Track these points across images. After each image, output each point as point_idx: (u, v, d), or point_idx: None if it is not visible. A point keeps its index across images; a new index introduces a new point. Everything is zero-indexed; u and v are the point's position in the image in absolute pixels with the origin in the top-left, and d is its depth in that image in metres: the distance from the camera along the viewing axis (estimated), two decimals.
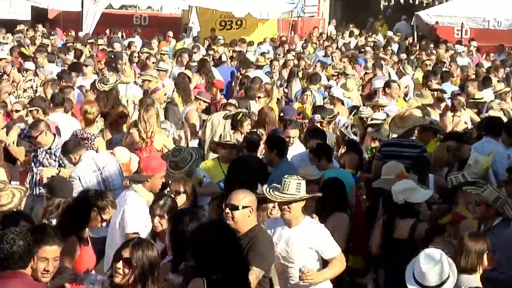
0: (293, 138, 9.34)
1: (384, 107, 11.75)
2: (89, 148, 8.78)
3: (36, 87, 13.28)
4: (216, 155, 8.86)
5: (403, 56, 20.08)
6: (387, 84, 13.19)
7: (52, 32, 22.95)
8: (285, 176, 6.17)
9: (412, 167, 8.24)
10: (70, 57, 17.14)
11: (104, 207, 6.05)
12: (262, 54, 17.96)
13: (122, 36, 23.71)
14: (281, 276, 6.16)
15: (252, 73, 14.89)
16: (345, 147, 10.07)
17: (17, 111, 10.32)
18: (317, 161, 8.52)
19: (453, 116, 11.51)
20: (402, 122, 9.59)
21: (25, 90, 13.22)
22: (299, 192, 6.07)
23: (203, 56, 17.94)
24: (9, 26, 22.71)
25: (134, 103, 11.77)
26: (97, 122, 9.96)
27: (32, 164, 8.84)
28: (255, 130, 9.75)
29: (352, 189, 8.48)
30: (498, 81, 15.11)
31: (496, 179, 8.64)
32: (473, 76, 16.47)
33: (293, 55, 18.66)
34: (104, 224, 6.28)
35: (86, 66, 13.88)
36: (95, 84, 11.55)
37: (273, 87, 13.46)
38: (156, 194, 7.11)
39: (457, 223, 6.73)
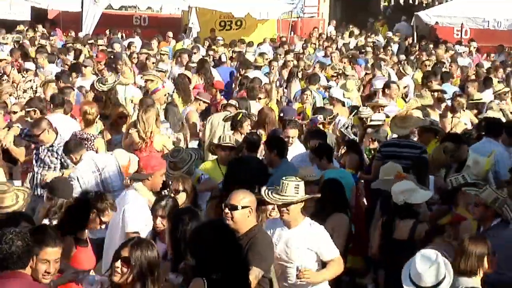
0: (292, 138, 9.34)
1: (384, 107, 11.77)
2: (89, 149, 8.79)
3: (36, 87, 13.28)
4: (215, 156, 8.84)
5: (402, 57, 20.09)
6: (387, 85, 13.20)
7: (52, 33, 22.96)
8: (284, 178, 6.16)
9: (412, 168, 8.25)
10: (70, 57, 17.15)
11: (104, 210, 6.04)
12: (261, 54, 17.96)
13: (122, 36, 23.71)
14: (280, 276, 6.16)
15: (251, 73, 14.89)
16: (345, 147, 10.08)
17: (14, 112, 10.31)
18: (318, 160, 8.53)
19: (452, 117, 11.50)
20: (403, 123, 9.60)
21: (25, 91, 13.22)
22: (298, 193, 6.06)
23: (203, 56, 17.94)
24: (9, 26, 22.74)
25: (132, 102, 11.75)
26: (96, 123, 9.95)
27: (34, 162, 8.83)
28: (255, 130, 9.75)
29: (352, 189, 8.50)
30: (498, 81, 15.12)
31: (498, 180, 8.65)
32: (473, 77, 16.46)
33: (293, 56, 18.66)
34: (103, 226, 6.27)
35: (85, 66, 13.88)
36: (94, 84, 11.56)
37: (272, 88, 13.45)
38: (157, 193, 7.13)
39: (457, 224, 6.72)
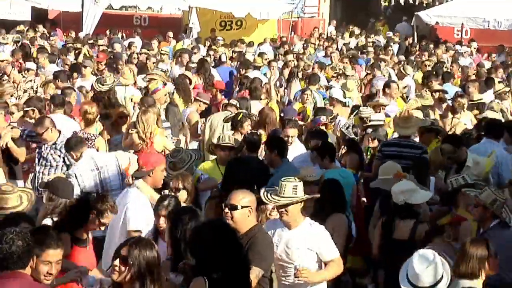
0: (291, 137, 9.33)
1: (385, 106, 11.78)
2: (90, 148, 8.79)
3: (36, 87, 13.29)
4: (214, 156, 8.84)
5: (402, 57, 20.09)
6: (387, 84, 13.23)
7: (52, 33, 22.96)
8: (282, 179, 6.16)
9: (412, 168, 8.25)
10: (71, 58, 17.14)
11: (103, 211, 6.02)
12: (260, 54, 17.97)
13: (122, 36, 23.71)
14: (280, 276, 6.16)
15: (251, 73, 14.90)
16: (345, 147, 10.08)
17: (11, 113, 10.29)
18: (320, 160, 8.54)
19: (452, 117, 11.49)
20: (405, 123, 9.62)
21: (25, 91, 13.23)
22: (296, 194, 6.05)
23: (203, 56, 17.95)
24: (9, 26, 22.74)
25: (132, 101, 11.75)
26: (96, 122, 9.96)
27: (36, 161, 8.83)
28: (255, 130, 9.74)
29: (353, 188, 8.51)
30: (498, 81, 15.11)
31: (500, 182, 8.67)
32: (473, 77, 16.46)
33: (294, 56, 18.66)
34: (102, 228, 6.25)
35: (85, 67, 13.88)
36: (93, 84, 11.58)
37: (272, 88, 13.46)
38: (159, 191, 7.12)
39: (457, 224, 6.72)
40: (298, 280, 6.01)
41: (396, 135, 10.17)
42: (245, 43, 21.76)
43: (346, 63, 17.20)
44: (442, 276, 5.17)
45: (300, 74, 15.68)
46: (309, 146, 9.34)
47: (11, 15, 24.43)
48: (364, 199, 9.08)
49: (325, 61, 18.30)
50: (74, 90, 11.95)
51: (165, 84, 11.86)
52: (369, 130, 10.42)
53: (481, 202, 6.63)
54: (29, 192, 6.56)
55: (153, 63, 15.49)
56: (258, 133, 9.56)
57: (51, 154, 8.68)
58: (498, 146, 9.32)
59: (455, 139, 9.11)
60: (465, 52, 21.22)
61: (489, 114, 11.16)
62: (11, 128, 9.42)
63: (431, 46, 22.35)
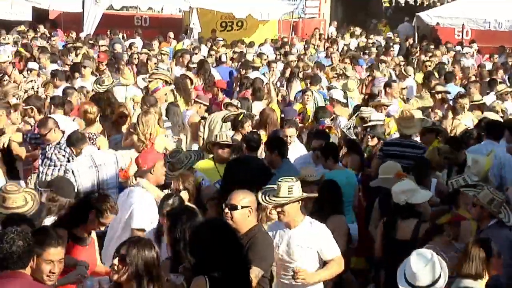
0: (290, 137, 9.32)
1: (387, 106, 11.77)
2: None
3: (37, 87, 13.28)
4: (211, 155, 8.83)
5: (401, 58, 20.09)
6: (388, 84, 13.24)
7: (53, 33, 22.96)
8: (279, 179, 6.17)
9: (412, 169, 8.24)
10: (71, 58, 17.13)
11: (103, 211, 6.00)
12: (259, 55, 17.97)
13: (123, 37, 23.71)
14: (280, 275, 6.16)
15: (251, 74, 14.91)
16: (346, 148, 10.07)
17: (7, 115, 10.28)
18: (323, 160, 8.53)
19: (453, 118, 11.49)
20: (407, 122, 9.63)
21: (26, 91, 13.22)
22: (292, 194, 6.05)
23: (204, 57, 17.95)
24: (10, 26, 22.74)
25: (134, 101, 11.76)
26: (97, 122, 9.96)
27: (40, 161, 8.83)
28: (255, 130, 9.73)
29: (355, 189, 8.51)
30: (499, 82, 15.11)
31: (503, 183, 8.67)
32: (474, 78, 16.45)
33: (296, 56, 18.67)
34: (102, 228, 6.24)
35: (85, 67, 13.88)
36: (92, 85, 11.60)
37: (271, 88, 13.45)
38: (163, 189, 7.12)
39: (457, 223, 6.71)
40: (295, 282, 6.01)
41: (396, 134, 10.17)
42: (246, 43, 21.75)
43: (347, 63, 17.20)
44: (440, 275, 5.16)
45: (300, 75, 15.68)
46: (311, 147, 9.33)
47: (11, 15, 24.44)
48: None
49: (326, 61, 18.29)
50: (75, 90, 11.95)
51: (169, 84, 11.88)
52: (368, 130, 10.42)
53: (479, 202, 6.64)
54: (33, 193, 6.56)
55: (154, 63, 15.48)
56: (258, 133, 9.55)
57: (55, 154, 8.69)
58: (499, 147, 9.32)
59: (455, 142, 9.11)
60: (467, 53, 21.21)
61: (489, 114, 11.15)
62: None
63: (432, 47, 22.34)
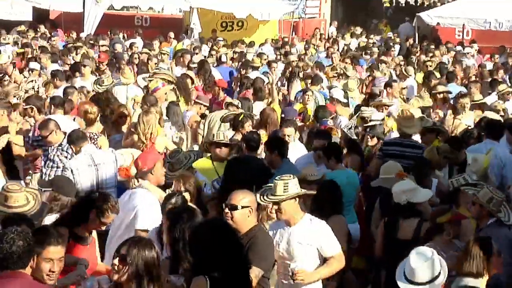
0: (288, 136, 9.29)
1: (388, 106, 11.77)
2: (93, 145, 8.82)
3: (38, 87, 13.28)
4: (209, 154, 8.82)
5: (401, 58, 20.08)
6: (388, 84, 13.24)
7: (53, 33, 22.96)
8: (276, 178, 6.18)
9: (412, 169, 8.24)
10: (71, 58, 17.14)
11: (104, 210, 5.99)
12: (259, 55, 17.97)
13: (124, 37, 23.72)
14: (281, 274, 6.18)
15: (251, 74, 14.91)
16: (346, 148, 10.06)
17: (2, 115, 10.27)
18: (326, 160, 8.53)
19: (453, 118, 11.49)
20: (408, 122, 9.62)
21: (26, 91, 13.22)
22: (287, 191, 6.05)
23: (205, 56, 17.95)
24: (10, 27, 22.74)
25: (135, 101, 11.77)
26: (97, 122, 9.95)
27: (42, 163, 8.83)
28: (255, 130, 9.72)
29: (357, 189, 8.51)
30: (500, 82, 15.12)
31: (504, 183, 8.66)
32: (474, 78, 16.45)
33: (297, 56, 18.67)
34: (103, 227, 6.24)
35: (84, 66, 13.88)
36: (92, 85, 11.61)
37: (273, 88, 13.46)
38: (164, 189, 7.12)
39: (457, 222, 6.71)
40: (294, 281, 6.02)
41: (395, 133, 10.17)
42: (246, 43, 21.75)
43: (348, 63, 17.20)
44: (439, 273, 5.15)
45: (301, 74, 15.68)
46: (312, 146, 9.30)
47: (12, 15, 24.44)
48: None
49: (327, 61, 18.29)
50: (76, 89, 11.95)
51: (172, 83, 11.89)
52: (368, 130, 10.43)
53: (478, 200, 6.64)
54: (35, 192, 6.56)
55: (155, 63, 15.49)
56: (258, 132, 9.54)
57: (58, 156, 8.68)
58: (499, 146, 9.32)
59: (456, 141, 9.10)
60: (468, 53, 21.20)
61: (489, 114, 11.15)
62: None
63: (432, 47, 22.34)
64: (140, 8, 27.49)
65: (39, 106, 9.97)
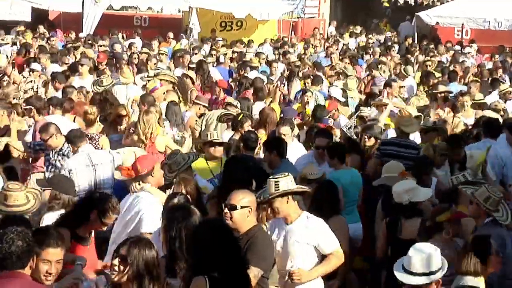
0: (284, 135, 9.27)
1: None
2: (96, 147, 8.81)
3: (37, 88, 13.27)
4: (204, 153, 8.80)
5: (398, 56, 20.10)
6: (388, 84, 13.23)
7: (52, 33, 22.94)
8: (270, 177, 6.18)
9: (412, 169, 8.23)
10: (71, 58, 17.11)
11: (105, 211, 5.99)
12: (257, 55, 17.96)
13: (123, 37, 23.71)
14: (279, 272, 6.16)
15: (250, 74, 14.90)
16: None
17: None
18: (329, 159, 8.51)
19: (453, 116, 11.49)
20: (407, 121, 9.62)
21: (25, 92, 13.21)
22: (278, 189, 6.05)
23: (204, 56, 17.95)
24: (9, 27, 22.73)
25: (134, 100, 11.77)
26: (97, 122, 9.95)
27: (45, 168, 8.84)
28: (253, 129, 9.71)
29: (360, 189, 8.51)
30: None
31: (504, 182, 8.66)
32: (473, 77, 16.46)
33: (297, 56, 18.67)
34: (104, 228, 6.23)
35: (82, 65, 13.86)
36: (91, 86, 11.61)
37: (274, 88, 13.45)
38: (166, 189, 7.13)
39: (457, 221, 6.70)
40: (291, 282, 6.02)
41: (391, 132, 10.16)
42: (244, 43, 21.75)
43: (347, 63, 17.20)
44: (438, 268, 5.13)
45: (300, 74, 15.68)
46: (314, 145, 9.27)
47: (11, 15, 24.44)
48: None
49: (326, 61, 18.28)
50: (75, 89, 11.94)
51: (173, 83, 11.88)
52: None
53: (475, 199, 6.64)
54: (35, 192, 6.55)
55: (154, 63, 15.48)
56: (255, 132, 9.53)
57: (59, 161, 8.68)
58: (497, 145, 9.33)
59: (455, 139, 9.10)
60: (468, 53, 21.21)
61: (488, 113, 11.16)
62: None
63: (431, 46, 22.34)
64: (139, 8, 27.48)
65: (38, 107, 9.96)
